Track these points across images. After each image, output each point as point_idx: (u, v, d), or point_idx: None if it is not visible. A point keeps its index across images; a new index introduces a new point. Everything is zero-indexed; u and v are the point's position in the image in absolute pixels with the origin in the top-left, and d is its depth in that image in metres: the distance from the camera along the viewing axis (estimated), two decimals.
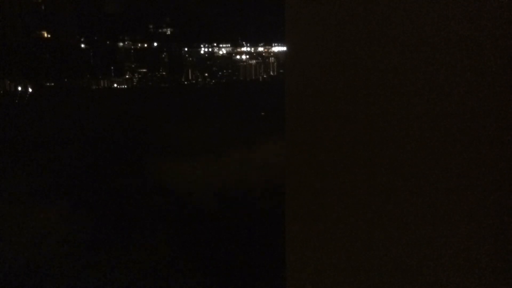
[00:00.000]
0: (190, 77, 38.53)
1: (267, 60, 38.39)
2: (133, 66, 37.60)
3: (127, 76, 37.06)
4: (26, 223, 15.29)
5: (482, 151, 0.96)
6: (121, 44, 37.72)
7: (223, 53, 39.47)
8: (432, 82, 1.00)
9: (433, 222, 1.03)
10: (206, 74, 38.78)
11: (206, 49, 39.40)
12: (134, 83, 37.31)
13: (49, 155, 23.02)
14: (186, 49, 39.04)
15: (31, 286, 11.77)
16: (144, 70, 37.94)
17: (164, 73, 38.29)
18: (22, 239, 14.05)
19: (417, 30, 1.01)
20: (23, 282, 11.85)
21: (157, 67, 38.21)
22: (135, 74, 37.72)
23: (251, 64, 38.37)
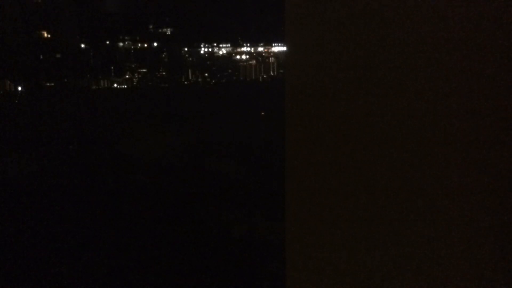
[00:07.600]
0: (190, 77, 38.47)
1: (267, 60, 38.26)
2: (133, 66, 37.49)
3: (127, 76, 37.00)
4: None
5: (482, 151, 0.97)
6: (121, 44, 37.61)
7: (223, 53, 39.34)
8: (432, 82, 1.00)
9: (433, 222, 1.03)
10: (206, 74, 38.68)
11: (206, 49, 39.28)
12: (134, 83, 37.24)
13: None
14: (186, 49, 38.92)
15: None
16: (144, 70, 37.85)
17: (164, 73, 38.21)
18: None
19: (417, 30, 1.01)
20: None
21: (157, 67, 38.11)
22: (135, 74, 37.62)
23: (251, 64, 38.26)
